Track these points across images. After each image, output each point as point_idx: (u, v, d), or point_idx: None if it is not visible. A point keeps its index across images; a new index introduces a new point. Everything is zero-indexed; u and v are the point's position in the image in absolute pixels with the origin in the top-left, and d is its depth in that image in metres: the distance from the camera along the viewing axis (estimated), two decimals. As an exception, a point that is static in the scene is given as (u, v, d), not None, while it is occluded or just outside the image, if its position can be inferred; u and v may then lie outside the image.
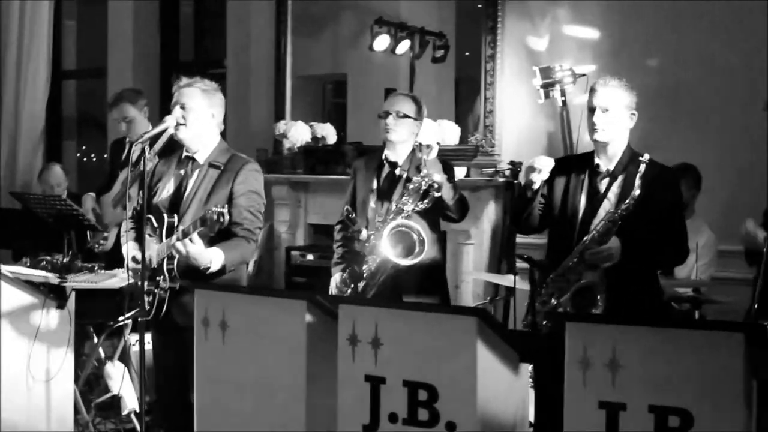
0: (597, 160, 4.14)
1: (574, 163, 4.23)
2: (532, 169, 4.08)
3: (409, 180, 4.66)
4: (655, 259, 4.16)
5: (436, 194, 4.47)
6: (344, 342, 3.38)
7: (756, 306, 3.70)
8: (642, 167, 3.91)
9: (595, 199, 4.09)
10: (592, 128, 4.07)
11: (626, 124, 4.10)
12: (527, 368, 3.35)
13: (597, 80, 4.18)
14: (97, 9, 9.34)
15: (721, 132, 5.71)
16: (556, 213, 4.18)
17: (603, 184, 4.10)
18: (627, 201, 3.92)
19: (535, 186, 4.09)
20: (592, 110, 4.06)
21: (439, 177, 4.47)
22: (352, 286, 4.65)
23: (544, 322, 4.03)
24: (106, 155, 9.24)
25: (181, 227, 4.16)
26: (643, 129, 6.08)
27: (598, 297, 3.94)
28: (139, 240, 4.28)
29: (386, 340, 3.30)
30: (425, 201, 4.51)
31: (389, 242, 4.47)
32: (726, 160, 5.67)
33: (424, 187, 4.49)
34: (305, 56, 7.82)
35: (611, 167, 4.10)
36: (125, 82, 8.51)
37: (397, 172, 4.77)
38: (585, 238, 3.99)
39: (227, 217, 3.89)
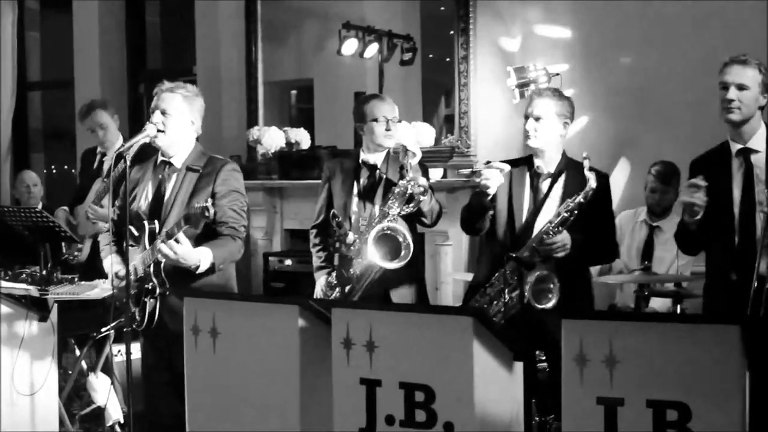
0: (537, 163, 4.40)
1: (514, 166, 4.42)
2: (489, 171, 4.27)
3: (390, 183, 4.67)
4: (594, 254, 4.44)
5: (422, 198, 4.49)
6: (338, 345, 3.36)
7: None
8: (586, 162, 4.14)
9: (539, 199, 4.36)
10: (525, 135, 4.36)
11: (558, 131, 4.36)
12: (520, 366, 3.34)
13: (534, 90, 4.62)
14: (62, 19, 9.26)
15: (695, 129, 5.75)
16: (503, 213, 4.39)
17: (545, 185, 4.38)
18: (584, 190, 4.12)
19: (491, 191, 4.27)
20: (527, 117, 4.35)
21: (424, 181, 4.50)
22: (339, 289, 4.64)
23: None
24: (73, 170, 9.20)
25: (164, 230, 4.13)
26: (616, 127, 6.19)
27: (552, 287, 4.10)
28: (122, 250, 4.25)
29: (381, 343, 3.29)
30: (410, 205, 4.52)
31: (375, 246, 4.47)
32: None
33: (409, 191, 4.50)
34: (271, 62, 7.80)
35: (551, 170, 4.37)
36: (92, 93, 8.44)
37: (378, 174, 4.78)
38: (540, 230, 4.20)
39: (212, 210, 3.87)
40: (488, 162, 4.35)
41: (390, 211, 4.55)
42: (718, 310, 4.14)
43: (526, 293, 4.06)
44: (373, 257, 4.47)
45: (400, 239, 4.49)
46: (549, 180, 4.38)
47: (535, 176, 4.39)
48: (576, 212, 4.14)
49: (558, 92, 4.43)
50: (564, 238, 4.18)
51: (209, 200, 3.96)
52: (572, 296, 4.23)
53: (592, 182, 4.11)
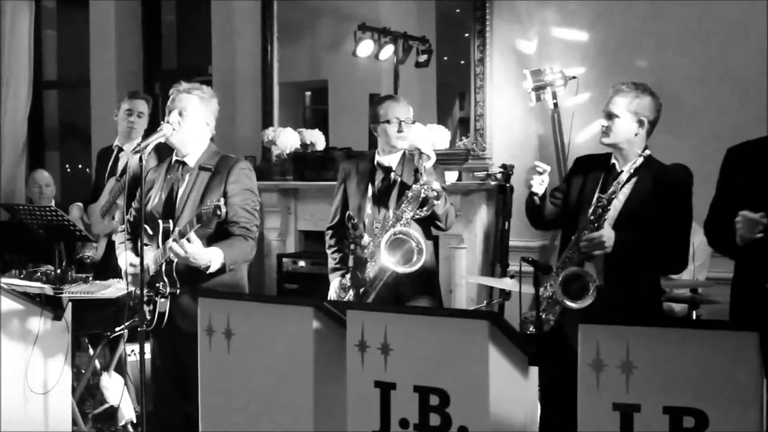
0: (614, 161, 4.25)
1: (593, 163, 4.33)
2: (533, 170, 4.21)
3: (405, 185, 4.66)
4: (650, 259, 4.14)
5: (436, 202, 4.48)
6: (353, 348, 3.36)
7: None
8: (639, 160, 4.05)
9: (608, 198, 4.14)
10: (601, 131, 4.23)
11: (633, 129, 4.19)
12: (535, 371, 3.33)
13: (615, 84, 4.33)
14: (78, 18, 9.29)
15: (712, 131, 5.73)
16: (571, 210, 4.27)
17: (617, 184, 4.15)
18: (613, 185, 4.06)
19: (536, 189, 4.21)
20: (606, 114, 4.21)
21: (437, 185, 4.48)
22: (353, 291, 4.63)
23: (544, 315, 4.13)
24: (88, 169, 9.22)
25: (177, 229, 4.13)
26: (635, 130, 6.15)
27: (590, 286, 4.01)
28: (136, 249, 4.25)
29: (396, 345, 3.28)
30: (424, 208, 4.52)
31: (388, 250, 4.46)
32: (718, 160, 5.68)
33: (423, 195, 4.49)
34: (285, 63, 7.80)
35: (626, 168, 4.16)
36: (108, 92, 8.48)
37: (392, 176, 4.77)
38: (580, 226, 4.12)
39: (224, 209, 3.87)
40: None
41: (403, 215, 4.54)
42: (745, 316, 3.87)
43: (556, 290, 4.05)
44: (385, 261, 4.46)
45: (413, 244, 4.47)
46: (624, 178, 4.14)
47: (609, 174, 4.21)
48: (608, 206, 4.04)
49: (635, 87, 4.25)
50: (602, 235, 4.02)
51: (221, 199, 3.96)
52: (630, 302, 4.07)
53: (624, 176, 4.09)
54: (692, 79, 5.91)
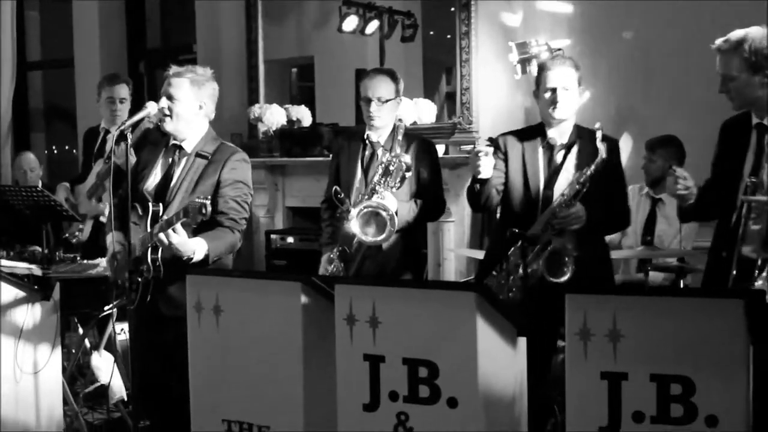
0: (550, 134, 4.35)
1: (526, 137, 4.40)
2: (476, 156, 4.19)
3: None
4: (606, 223, 4.40)
5: (407, 174, 4.49)
6: (341, 322, 3.36)
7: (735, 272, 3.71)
8: (599, 133, 4.14)
9: (553, 170, 4.31)
10: (553, 106, 4.28)
11: (578, 100, 4.39)
12: (524, 341, 3.34)
13: (548, 60, 4.58)
14: (60, -1, 9.25)
15: (699, 102, 5.72)
16: (517, 186, 4.36)
17: (559, 156, 4.33)
18: (596, 161, 4.11)
19: (483, 175, 4.21)
20: (553, 90, 4.27)
21: (407, 158, 4.50)
22: (340, 265, 4.63)
23: (510, 293, 4.16)
24: (74, 150, 9.19)
25: (165, 217, 4.11)
26: (618, 102, 6.16)
27: (567, 260, 4.08)
28: (125, 228, 4.24)
29: (384, 319, 3.28)
30: (397, 180, 4.52)
31: (361, 222, 4.45)
32: (705, 131, 5.67)
33: (392, 168, 4.50)
34: (271, 40, 7.77)
35: (564, 140, 4.33)
36: (93, 72, 8.44)
37: (379, 152, 4.76)
38: (553, 204, 4.19)
39: (209, 209, 3.83)
40: (474, 148, 4.26)
41: (377, 188, 4.55)
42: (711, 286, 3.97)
43: (539, 267, 4.07)
44: (358, 234, 4.47)
45: (384, 214, 4.46)
46: (563, 151, 4.34)
47: (548, 147, 4.35)
48: (588, 184, 4.11)
49: (574, 60, 4.41)
50: (579, 209, 4.14)
51: (209, 198, 3.92)
52: (591, 268, 4.21)
53: (603, 153, 4.10)
54: (680, 51, 5.91)
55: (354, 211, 4.46)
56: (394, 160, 4.50)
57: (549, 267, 4.10)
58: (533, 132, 4.44)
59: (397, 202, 4.51)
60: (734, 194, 3.81)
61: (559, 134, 4.35)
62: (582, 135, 4.33)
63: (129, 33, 9.02)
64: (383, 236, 4.45)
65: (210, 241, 4.17)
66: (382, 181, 4.52)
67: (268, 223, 7.31)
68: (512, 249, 4.20)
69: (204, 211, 3.81)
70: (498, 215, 4.62)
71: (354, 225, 4.45)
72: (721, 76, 3.90)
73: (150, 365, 4.45)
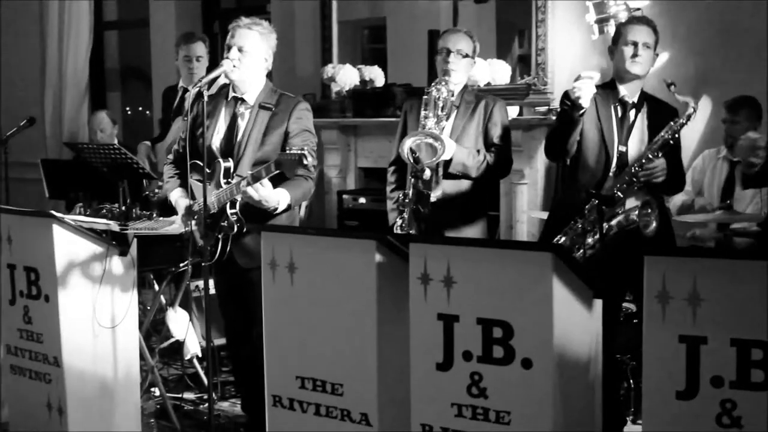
0: (623, 91, 4.33)
1: (599, 93, 4.31)
2: (579, 80, 4.12)
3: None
4: (667, 184, 4.35)
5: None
6: (415, 281, 3.36)
7: None
8: (673, 87, 4.18)
9: (627, 127, 4.31)
10: (632, 60, 4.27)
11: (652, 63, 4.39)
12: (599, 304, 3.30)
13: (633, 16, 4.62)
14: (137, -41, 9.30)
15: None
16: (593, 140, 4.32)
17: (631, 114, 4.33)
18: (687, 113, 4.14)
19: (584, 102, 4.11)
20: (635, 44, 4.26)
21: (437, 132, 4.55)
22: (414, 225, 4.60)
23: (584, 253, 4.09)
24: (148, 111, 9.27)
25: (249, 172, 4.13)
26: (697, 64, 6.03)
27: (653, 213, 4.03)
28: (184, 185, 4.32)
29: (459, 278, 3.27)
30: (444, 113, 4.61)
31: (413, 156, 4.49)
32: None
33: (439, 99, 4.59)
34: (344, 1, 7.74)
35: (635, 99, 4.33)
36: (168, 32, 8.50)
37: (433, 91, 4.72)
38: (641, 154, 4.20)
39: (309, 159, 3.86)
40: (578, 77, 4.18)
41: (426, 122, 4.57)
42: None
43: (634, 219, 4.04)
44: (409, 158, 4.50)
45: (430, 140, 4.47)
46: (634, 110, 4.33)
47: (622, 104, 4.33)
48: (677, 137, 4.14)
49: (654, 24, 4.40)
50: (662, 162, 4.16)
51: (305, 148, 3.94)
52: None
53: (692, 103, 4.12)
54: (760, 12, 5.75)
55: (404, 146, 4.48)
56: (437, 87, 4.58)
57: (640, 219, 4.04)
58: (606, 88, 4.39)
59: (451, 141, 4.57)
60: None
61: (630, 93, 4.33)
62: (648, 99, 4.35)
63: (204, -7, 9.06)
64: (439, 154, 4.46)
65: (291, 190, 4.25)
66: (430, 115, 4.56)
67: (340, 183, 7.32)
68: (588, 207, 4.13)
69: (305, 161, 3.83)
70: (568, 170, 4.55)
71: (407, 151, 4.47)
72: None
73: (233, 317, 4.55)
